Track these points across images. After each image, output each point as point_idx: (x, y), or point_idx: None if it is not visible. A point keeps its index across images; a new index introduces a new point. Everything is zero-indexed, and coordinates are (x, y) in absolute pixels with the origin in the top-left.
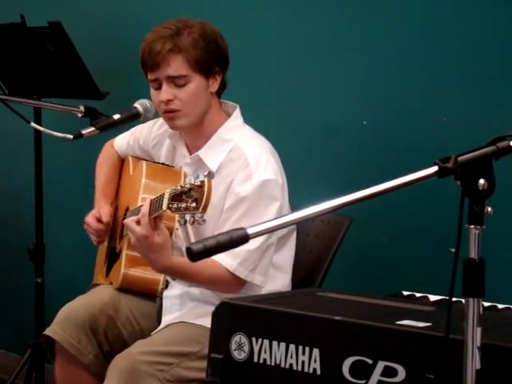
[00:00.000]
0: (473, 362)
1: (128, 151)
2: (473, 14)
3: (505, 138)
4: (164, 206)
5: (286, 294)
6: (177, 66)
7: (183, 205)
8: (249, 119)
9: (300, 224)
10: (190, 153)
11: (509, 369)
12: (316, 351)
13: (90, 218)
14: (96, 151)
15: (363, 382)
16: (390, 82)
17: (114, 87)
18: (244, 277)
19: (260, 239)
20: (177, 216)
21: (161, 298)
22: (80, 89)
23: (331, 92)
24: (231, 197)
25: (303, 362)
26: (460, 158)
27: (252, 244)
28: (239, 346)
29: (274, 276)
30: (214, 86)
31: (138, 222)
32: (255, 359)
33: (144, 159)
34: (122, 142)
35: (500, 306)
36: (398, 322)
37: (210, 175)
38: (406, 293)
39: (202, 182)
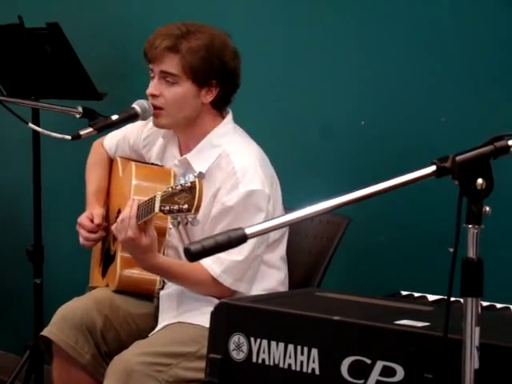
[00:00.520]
0: (471, 361)
1: (117, 151)
2: (472, 14)
3: (503, 138)
4: (156, 209)
5: (284, 294)
6: (170, 64)
7: (175, 206)
8: (246, 120)
9: (298, 224)
10: (181, 153)
11: (507, 368)
12: (315, 351)
13: (83, 219)
14: None
15: (362, 381)
16: (388, 83)
17: (112, 88)
18: (228, 285)
19: (246, 251)
20: (169, 217)
21: (158, 298)
22: (78, 90)
23: (329, 92)
24: (217, 205)
25: (302, 362)
26: (458, 158)
27: (238, 255)
28: (238, 346)
29: (268, 273)
30: (208, 97)
31: (128, 220)
32: (254, 359)
33: (133, 160)
34: (112, 141)
35: (498, 306)
36: (397, 322)
37: (201, 176)
38: (404, 292)
39: (193, 182)
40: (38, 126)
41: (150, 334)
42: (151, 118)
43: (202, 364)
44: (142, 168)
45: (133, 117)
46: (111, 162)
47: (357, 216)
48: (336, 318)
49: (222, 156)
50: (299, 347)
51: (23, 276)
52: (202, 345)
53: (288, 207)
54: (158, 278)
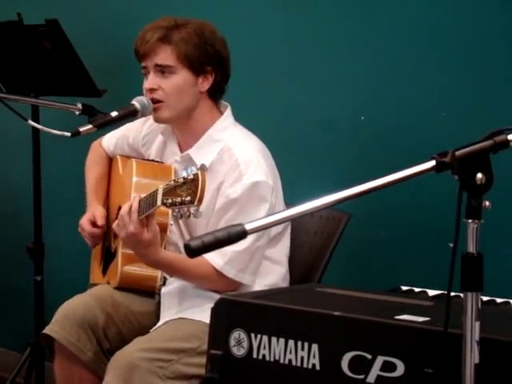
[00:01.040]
0: (471, 356)
1: (116, 150)
2: (472, 10)
3: (502, 132)
4: (158, 202)
5: (284, 289)
6: (165, 55)
7: (178, 199)
8: (246, 115)
9: (298, 220)
10: (181, 150)
11: (507, 363)
12: (315, 347)
13: (84, 223)
14: None
15: (362, 376)
16: (388, 78)
17: (112, 85)
18: (232, 276)
19: (248, 241)
20: (171, 212)
21: (159, 295)
22: (77, 86)
23: (329, 87)
24: (221, 198)
25: (302, 358)
26: (457, 153)
27: (240, 245)
28: (238, 341)
29: (270, 269)
30: (204, 85)
31: (129, 215)
32: (254, 355)
33: (133, 157)
34: (110, 141)
35: (499, 300)
36: (397, 317)
37: (203, 168)
38: (404, 288)
39: (196, 174)
40: (38, 122)
41: (151, 330)
42: (150, 115)
43: (203, 360)
44: (142, 165)
45: (132, 113)
46: (110, 160)
47: (357, 212)
48: (336, 313)
49: (223, 150)
50: (300, 343)
51: (24, 273)
52: (203, 341)
53: (288, 202)
54: (159, 274)
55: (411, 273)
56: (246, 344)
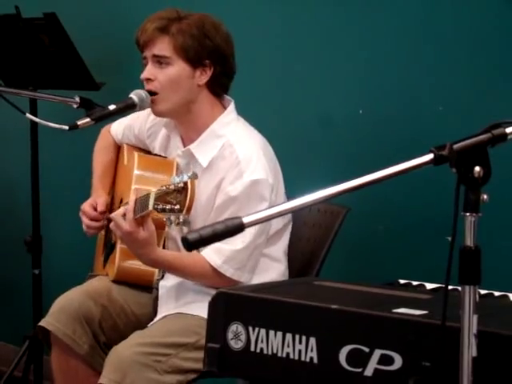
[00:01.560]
0: (469, 349)
1: (124, 139)
2: (470, 4)
3: (500, 125)
4: (150, 207)
5: (282, 283)
6: (162, 46)
7: (168, 206)
8: (245, 110)
9: (297, 213)
10: (184, 145)
11: (505, 356)
12: (313, 340)
13: (86, 206)
14: (92, 142)
15: (360, 370)
16: (386, 71)
17: (110, 78)
18: (230, 275)
19: (247, 239)
20: (163, 216)
21: (157, 289)
22: (75, 80)
23: (327, 81)
24: (221, 196)
25: (300, 351)
26: (455, 146)
27: (239, 244)
28: (236, 335)
29: (270, 266)
30: (202, 78)
31: (124, 215)
32: (252, 348)
33: (138, 149)
34: (118, 129)
35: (496, 294)
36: (395, 310)
37: (194, 176)
38: (402, 281)
39: (185, 183)
40: (36, 116)
41: (148, 325)
42: None
43: (201, 354)
44: (144, 158)
45: (130, 106)
46: (118, 148)
47: (355, 205)
48: (334, 306)
49: (225, 146)
50: (297, 336)
51: (22, 267)
52: (201, 335)
53: (287, 196)
54: (156, 269)
55: (409, 266)
56: (243, 337)
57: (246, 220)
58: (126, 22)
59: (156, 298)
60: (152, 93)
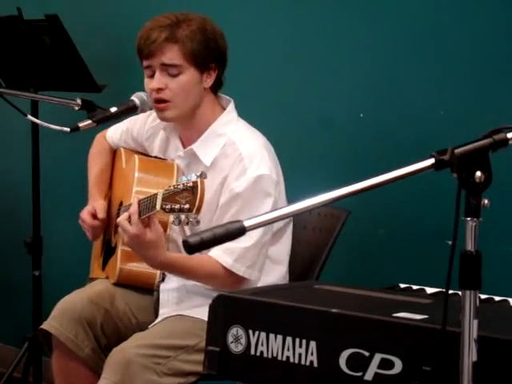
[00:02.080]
0: (469, 354)
1: (120, 143)
2: (471, 7)
3: (501, 131)
4: (158, 207)
5: (283, 286)
6: (172, 55)
7: (177, 206)
8: (246, 112)
9: (297, 217)
10: (184, 146)
11: (505, 361)
12: (313, 344)
13: (85, 215)
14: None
15: (360, 374)
16: (387, 75)
17: (111, 80)
18: (241, 273)
19: (255, 236)
20: (171, 216)
21: (158, 291)
22: (77, 82)
23: (328, 85)
24: (226, 193)
25: (300, 355)
26: (456, 151)
27: (248, 241)
28: (236, 338)
29: (270, 269)
30: (208, 81)
31: (129, 218)
32: (252, 352)
33: (137, 152)
34: (115, 134)
35: (497, 299)
36: (395, 315)
37: (203, 176)
38: (402, 285)
39: (195, 182)
40: (37, 117)
41: (149, 327)
42: (153, 110)
43: (201, 357)
44: (145, 161)
45: (131, 109)
46: (113, 153)
47: (356, 209)
48: (334, 310)
49: (227, 144)
50: (297, 340)
51: (22, 268)
52: (202, 338)
53: (287, 199)
54: (157, 271)
55: (409, 270)
56: (243, 340)
57: (247, 223)
58: (128, 24)
59: (157, 301)
60: (161, 100)
